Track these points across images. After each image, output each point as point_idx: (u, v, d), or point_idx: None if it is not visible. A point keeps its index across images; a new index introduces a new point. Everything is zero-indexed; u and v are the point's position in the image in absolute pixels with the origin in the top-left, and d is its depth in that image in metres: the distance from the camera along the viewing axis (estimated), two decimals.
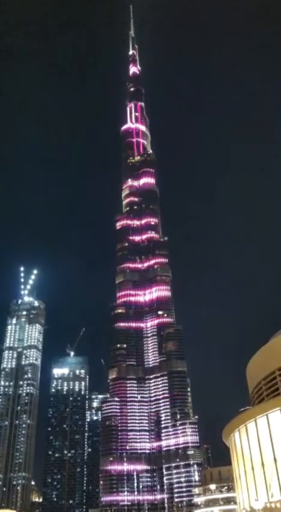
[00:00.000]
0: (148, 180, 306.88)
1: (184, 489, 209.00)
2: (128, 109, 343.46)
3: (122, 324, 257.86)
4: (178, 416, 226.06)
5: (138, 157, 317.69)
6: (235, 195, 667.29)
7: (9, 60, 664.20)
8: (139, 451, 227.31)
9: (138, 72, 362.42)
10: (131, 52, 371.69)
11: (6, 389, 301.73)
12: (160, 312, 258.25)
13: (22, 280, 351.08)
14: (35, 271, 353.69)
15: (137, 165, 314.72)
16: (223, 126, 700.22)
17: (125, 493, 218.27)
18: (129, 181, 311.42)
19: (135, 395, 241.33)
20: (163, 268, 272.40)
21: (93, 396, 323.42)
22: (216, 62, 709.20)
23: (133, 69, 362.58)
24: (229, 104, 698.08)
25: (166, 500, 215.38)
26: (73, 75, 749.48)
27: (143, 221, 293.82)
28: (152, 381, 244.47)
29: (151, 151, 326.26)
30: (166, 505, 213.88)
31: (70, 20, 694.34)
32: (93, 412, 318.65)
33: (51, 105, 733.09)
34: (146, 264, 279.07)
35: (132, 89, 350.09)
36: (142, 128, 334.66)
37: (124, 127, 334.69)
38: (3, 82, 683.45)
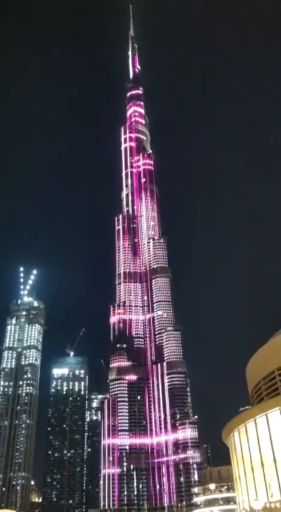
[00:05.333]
0: (147, 180, 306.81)
1: (184, 489, 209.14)
2: (127, 109, 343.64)
3: (121, 325, 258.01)
4: (178, 416, 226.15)
5: (138, 156, 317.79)
6: (236, 194, 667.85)
7: (7, 62, 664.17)
8: (139, 451, 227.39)
9: (138, 72, 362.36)
10: (130, 52, 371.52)
11: (5, 389, 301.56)
12: (159, 312, 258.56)
13: (21, 280, 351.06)
14: (35, 272, 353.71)
15: (136, 165, 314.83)
16: (224, 126, 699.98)
17: (125, 492, 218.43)
18: (129, 182, 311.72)
19: (136, 395, 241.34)
20: (162, 269, 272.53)
21: (92, 396, 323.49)
22: (217, 60, 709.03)
23: (133, 69, 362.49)
24: (229, 103, 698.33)
25: (165, 499, 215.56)
26: (72, 75, 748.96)
27: (143, 221, 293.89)
28: (151, 381, 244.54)
29: (150, 151, 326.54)
30: (165, 504, 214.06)
31: (69, 19, 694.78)
32: (93, 412, 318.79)
33: (51, 105, 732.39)
34: (146, 264, 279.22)
35: (131, 89, 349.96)
36: (142, 127, 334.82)
37: (124, 126, 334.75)
38: (2, 84, 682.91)
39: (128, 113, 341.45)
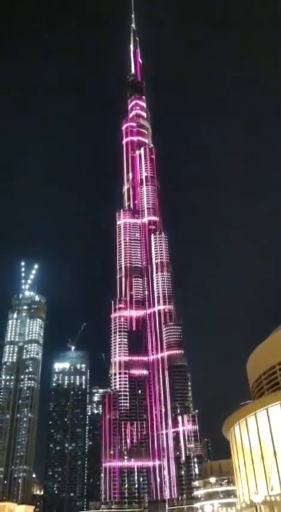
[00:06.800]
0: (148, 175, 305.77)
1: (184, 482, 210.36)
2: (129, 103, 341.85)
3: (123, 319, 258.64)
4: (178, 410, 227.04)
5: (139, 150, 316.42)
6: (237, 188, 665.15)
7: (7, 58, 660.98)
8: (140, 445, 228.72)
9: (139, 65, 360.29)
10: (132, 45, 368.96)
11: (7, 383, 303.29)
12: (160, 307, 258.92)
13: (23, 274, 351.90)
14: (36, 266, 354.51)
15: (138, 159, 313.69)
16: (225, 121, 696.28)
17: (126, 486, 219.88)
18: (131, 176, 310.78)
19: (137, 389, 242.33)
20: (163, 263, 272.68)
21: (94, 390, 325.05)
22: (217, 54, 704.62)
23: (134, 62, 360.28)
24: (230, 98, 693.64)
25: (166, 493, 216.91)
26: (73, 69, 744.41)
27: (144, 216, 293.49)
28: (152, 375, 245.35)
29: (152, 144, 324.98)
30: (166, 497, 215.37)
31: (69, 15, 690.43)
32: (94, 406, 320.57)
33: (51, 98, 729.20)
34: (147, 259, 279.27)
35: (133, 82, 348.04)
36: (143, 121, 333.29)
37: (125, 121, 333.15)
38: (1, 82, 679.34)
39: (130, 106, 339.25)
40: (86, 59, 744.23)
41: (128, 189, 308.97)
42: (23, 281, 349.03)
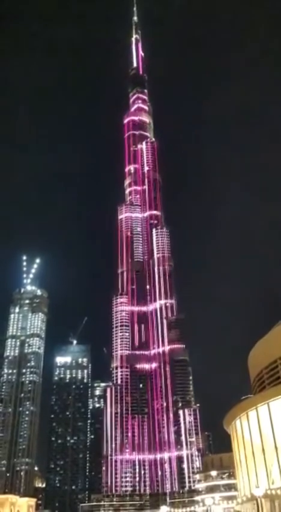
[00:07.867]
0: (150, 169, 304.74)
1: (185, 475, 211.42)
2: (130, 96, 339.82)
3: (124, 313, 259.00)
4: (180, 404, 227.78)
5: (141, 144, 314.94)
6: (237, 186, 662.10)
7: (7, 54, 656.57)
8: (141, 438, 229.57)
9: (141, 58, 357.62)
10: (134, 38, 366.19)
11: (9, 376, 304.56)
12: (161, 302, 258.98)
13: (25, 269, 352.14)
14: (38, 260, 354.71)
15: (139, 154, 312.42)
16: (225, 116, 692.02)
17: (127, 479, 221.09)
18: (132, 170, 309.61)
19: (138, 383, 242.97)
20: (165, 258, 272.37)
21: (95, 384, 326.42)
22: (220, 50, 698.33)
23: (136, 55, 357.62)
24: (231, 91, 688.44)
25: (167, 486, 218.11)
26: (74, 62, 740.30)
27: (145, 210, 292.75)
28: (154, 369, 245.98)
29: (153, 138, 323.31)
30: (167, 491, 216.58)
31: (70, 11, 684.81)
32: (96, 399, 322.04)
33: (52, 92, 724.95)
34: (148, 254, 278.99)
35: (134, 75, 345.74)
36: (145, 115, 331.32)
37: (127, 114, 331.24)
38: (1, 82, 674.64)
39: (131, 100, 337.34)
40: (87, 56, 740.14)
41: (130, 184, 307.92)
42: (24, 275, 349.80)
